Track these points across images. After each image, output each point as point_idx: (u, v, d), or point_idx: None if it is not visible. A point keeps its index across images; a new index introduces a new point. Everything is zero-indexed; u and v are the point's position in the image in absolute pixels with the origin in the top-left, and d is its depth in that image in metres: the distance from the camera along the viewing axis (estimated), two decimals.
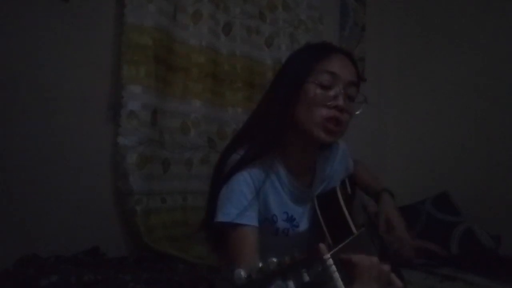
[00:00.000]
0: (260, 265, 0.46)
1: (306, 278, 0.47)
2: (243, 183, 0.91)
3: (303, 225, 1.00)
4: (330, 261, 0.53)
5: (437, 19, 2.47)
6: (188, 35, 1.68)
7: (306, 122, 0.92)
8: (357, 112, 0.96)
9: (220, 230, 0.90)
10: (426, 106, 2.50)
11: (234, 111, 1.82)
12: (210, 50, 1.73)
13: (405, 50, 2.59)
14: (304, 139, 0.96)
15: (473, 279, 1.55)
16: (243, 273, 0.44)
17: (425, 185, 2.27)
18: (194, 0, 1.69)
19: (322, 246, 0.55)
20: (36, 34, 1.36)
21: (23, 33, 1.34)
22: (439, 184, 2.17)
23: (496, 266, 1.66)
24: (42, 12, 1.38)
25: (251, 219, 0.89)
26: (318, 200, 1.00)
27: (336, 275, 0.53)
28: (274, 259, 0.47)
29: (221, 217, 0.88)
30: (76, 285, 1.12)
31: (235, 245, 0.88)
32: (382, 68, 2.58)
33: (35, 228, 1.33)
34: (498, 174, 2.12)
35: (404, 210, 1.97)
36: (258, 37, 1.93)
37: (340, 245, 0.62)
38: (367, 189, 1.18)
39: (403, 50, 2.60)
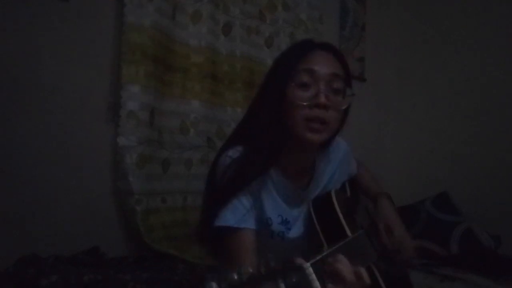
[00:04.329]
0: (235, 276, 0.45)
1: (282, 287, 0.45)
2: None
3: (297, 229, 0.99)
4: (310, 270, 0.50)
5: (437, 19, 2.47)
6: (187, 35, 1.68)
7: (291, 125, 0.91)
8: (343, 107, 0.93)
9: (217, 234, 0.90)
10: (426, 106, 2.50)
11: (233, 111, 1.82)
12: (209, 50, 1.73)
13: (405, 50, 2.59)
14: (297, 142, 0.94)
15: (473, 279, 1.55)
16: (215, 285, 0.43)
17: (425, 185, 2.27)
18: (193, 0, 1.69)
19: (298, 259, 0.52)
20: (36, 34, 1.36)
21: (23, 33, 1.34)
22: (439, 184, 2.17)
23: (496, 266, 1.66)
24: (42, 12, 1.37)
25: (247, 222, 0.89)
26: (313, 204, 0.99)
27: (317, 284, 0.50)
28: (250, 269, 0.46)
29: (217, 221, 0.88)
30: (76, 285, 1.12)
31: (232, 250, 0.88)
32: (382, 68, 2.58)
33: (35, 228, 1.33)
34: (498, 174, 2.12)
35: (404, 210, 1.99)
36: (258, 37, 1.93)
37: (325, 252, 0.61)
38: (366, 192, 1.18)
39: (403, 50, 2.60)
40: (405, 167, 2.51)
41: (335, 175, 1.08)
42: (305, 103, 0.89)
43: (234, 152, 0.94)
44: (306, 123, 0.89)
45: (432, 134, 2.44)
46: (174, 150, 1.64)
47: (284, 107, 0.91)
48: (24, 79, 1.34)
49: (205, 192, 0.98)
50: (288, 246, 0.97)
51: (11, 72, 1.31)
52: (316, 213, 0.96)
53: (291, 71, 0.90)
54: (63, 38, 1.42)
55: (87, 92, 1.47)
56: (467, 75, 2.31)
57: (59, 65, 1.41)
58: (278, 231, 0.97)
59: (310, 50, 0.93)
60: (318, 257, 0.56)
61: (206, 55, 1.72)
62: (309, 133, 0.90)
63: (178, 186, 1.65)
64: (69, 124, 1.43)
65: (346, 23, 2.43)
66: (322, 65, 0.91)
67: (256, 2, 1.92)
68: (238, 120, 1.76)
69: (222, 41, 1.79)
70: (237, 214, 0.88)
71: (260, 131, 0.92)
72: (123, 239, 1.54)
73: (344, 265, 0.59)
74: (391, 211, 1.06)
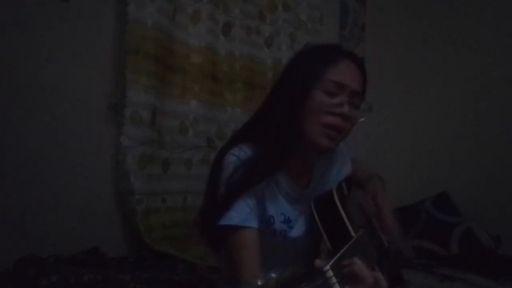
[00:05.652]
0: (260, 283, 0.45)
1: None
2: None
3: (298, 228, 0.99)
4: (330, 273, 0.52)
5: (437, 19, 2.47)
6: (187, 35, 1.68)
7: (308, 127, 0.91)
8: (361, 120, 0.97)
9: (219, 233, 0.89)
10: (426, 106, 2.50)
11: (233, 111, 1.82)
12: (209, 50, 1.73)
13: (405, 50, 2.59)
14: (305, 143, 0.95)
15: (473, 279, 1.55)
16: None
17: (425, 185, 2.27)
18: (193, 0, 1.69)
19: (318, 261, 0.54)
20: (36, 34, 1.36)
21: (23, 33, 1.34)
22: (439, 184, 2.17)
23: (496, 266, 1.66)
24: (42, 12, 1.38)
25: (251, 221, 0.89)
26: (315, 203, 0.99)
27: (337, 286, 0.52)
28: (274, 275, 0.46)
29: (222, 221, 0.88)
30: (76, 285, 1.12)
31: (235, 249, 0.88)
32: (382, 68, 2.58)
33: (35, 228, 1.33)
34: (498, 174, 2.12)
35: (404, 210, 1.99)
36: (258, 37, 1.93)
37: (338, 254, 0.61)
38: (358, 182, 1.15)
39: (403, 50, 2.60)
40: (405, 167, 2.51)
41: (333, 175, 1.08)
42: (331, 110, 0.91)
43: (239, 151, 0.93)
44: (324, 129, 0.91)
45: (432, 134, 2.44)
46: (174, 150, 1.64)
47: (302, 110, 0.92)
48: (24, 79, 1.34)
49: (207, 190, 0.98)
50: (289, 245, 0.97)
51: (11, 72, 1.32)
52: (318, 212, 0.96)
53: (319, 75, 0.92)
54: (63, 38, 1.42)
55: (87, 92, 1.47)
56: (467, 75, 2.31)
57: (59, 65, 1.41)
58: (280, 230, 0.97)
59: (339, 60, 0.94)
60: (335, 259, 0.57)
61: (206, 55, 1.72)
62: (325, 139, 0.92)
63: (178, 186, 1.65)
64: (69, 124, 1.43)
65: (346, 23, 2.43)
66: (351, 79, 0.94)
67: (256, 2, 1.92)
68: (237, 120, 1.78)
69: (222, 41, 1.79)
70: (241, 213, 0.88)
71: (272, 132, 0.93)
72: (123, 239, 1.54)
73: (361, 268, 0.59)
74: (380, 188, 1.06)
